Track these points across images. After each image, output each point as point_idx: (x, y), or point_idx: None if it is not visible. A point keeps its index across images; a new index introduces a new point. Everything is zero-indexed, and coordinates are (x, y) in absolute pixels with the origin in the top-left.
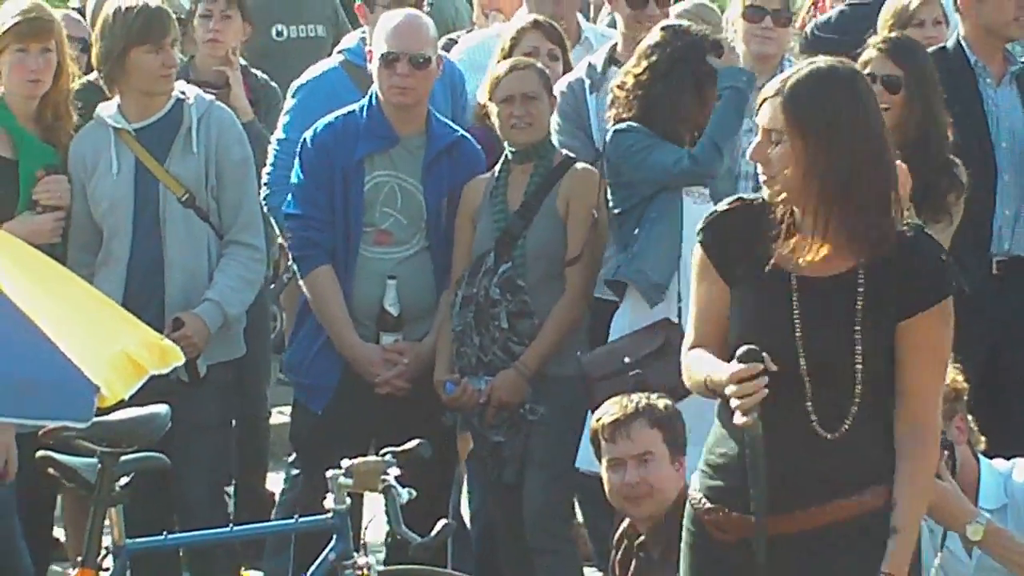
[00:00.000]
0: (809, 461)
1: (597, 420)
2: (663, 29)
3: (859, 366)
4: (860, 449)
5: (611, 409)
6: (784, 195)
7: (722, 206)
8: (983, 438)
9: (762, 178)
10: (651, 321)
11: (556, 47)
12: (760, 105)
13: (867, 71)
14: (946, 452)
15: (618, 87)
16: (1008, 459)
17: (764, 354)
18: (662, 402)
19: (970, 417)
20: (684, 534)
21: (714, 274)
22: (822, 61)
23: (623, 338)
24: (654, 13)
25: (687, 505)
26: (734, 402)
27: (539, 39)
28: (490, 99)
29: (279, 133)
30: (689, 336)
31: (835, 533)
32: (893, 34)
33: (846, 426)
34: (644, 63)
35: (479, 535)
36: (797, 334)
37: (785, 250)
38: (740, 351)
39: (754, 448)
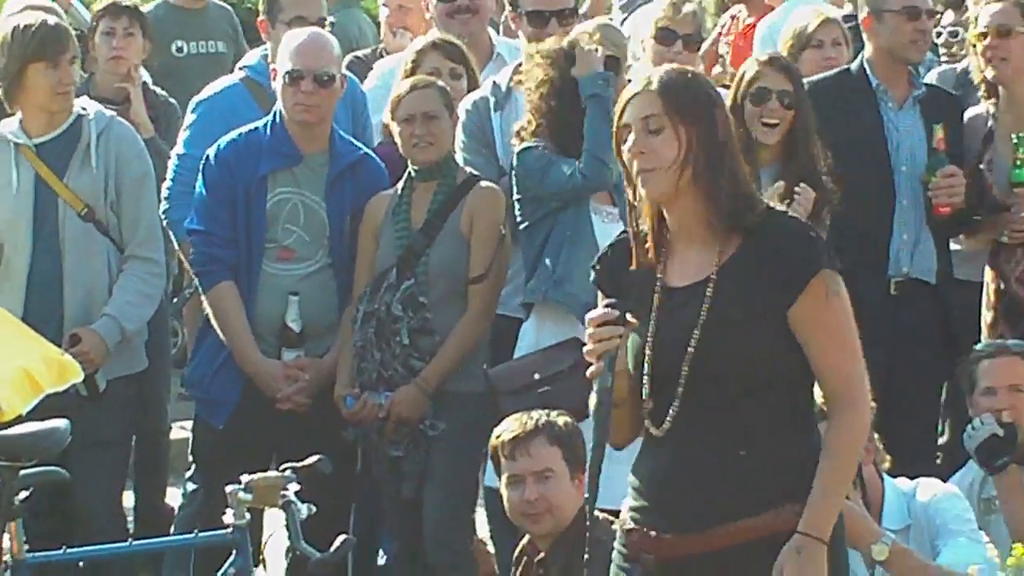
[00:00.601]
0: (713, 478)
1: (497, 437)
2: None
3: (688, 363)
4: (767, 465)
5: (511, 426)
6: (663, 190)
7: (608, 244)
8: (888, 457)
9: (642, 174)
10: (561, 339)
11: (458, 65)
12: (624, 105)
13: (758, 86)
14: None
15: (527, 106)
16: (912, 479)
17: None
18: (562, 419)
19: (876, 436)
20: (614, 554)
21: (601, 301)
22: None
23: (534, 354)
24: (556, 32)
25: (618, 526)
26: (588, 347)
27: (439, 59)
28: (392, 119)
29: (179, 148)
30: None
31: (741, 554)
32: (771, 52)
33: (667, 419)
34: (538, 81)
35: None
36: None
37: (659, 264)
38: (605, 302)
39: (600, 400)
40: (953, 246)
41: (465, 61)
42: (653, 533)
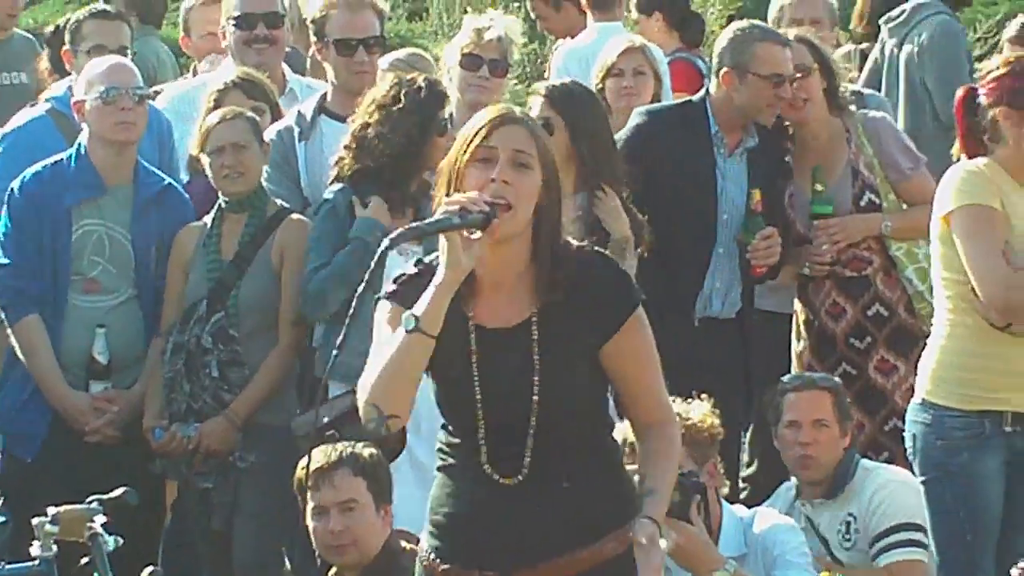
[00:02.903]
0: (545, 513)
1: (301, 468)
2: (396, 82)
3: (536, 409)
4: (594, 497)
5: (316, 457)
6: (517, 230)
7: (411, 270)
8: (727, 482)
9: (503, 208)
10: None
11: (260, 103)
12: (488, 128)
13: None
14: (698, 495)
15: (345, 145)
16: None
17: None
18: (367, 451)
19: (719, 460)
20: None
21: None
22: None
23: (331, 399)
24: (363, 60)
25: (417, 563)
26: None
27: (240, 97)
28: (201, 150)
29: None
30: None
31: None
32: (555, 81)
33: (524, 466)
34: (380, 113)
35: None
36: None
37: (468, 302)
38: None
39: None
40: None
41: (266, 97)
42: (476, 573)
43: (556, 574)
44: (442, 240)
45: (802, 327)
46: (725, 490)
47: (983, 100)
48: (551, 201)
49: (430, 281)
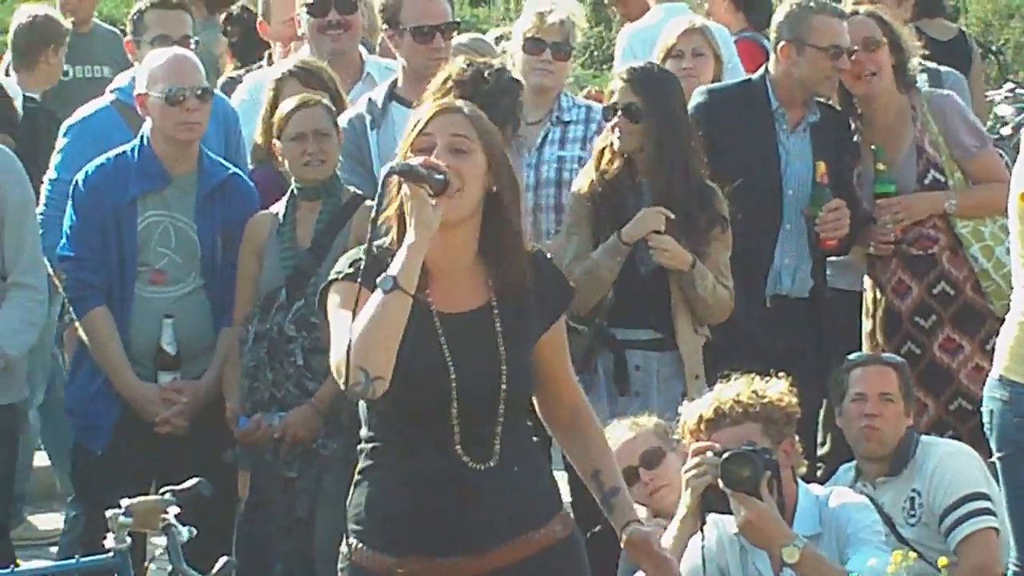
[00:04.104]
0: (504, 497)
1: None
2: (470, 64)
3: (504, 393)
4: (537, 481)
5: None
6: (462, 214)
7: (359, 253)
8: (805, 463)
9: (453, 190)
10: None
11: (317, 91)
12: (427, 118)
13: (612, 100)
14: (768, 472)
15: None
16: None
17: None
18: None
19: (797, 439)
20: None
21: (366, 294)
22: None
23: None
24: (440, 46)
25: (346, 567)
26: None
27: (296, 86)
28: (278, 137)
29: (51, 173)
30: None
31: (530, 566)
32: (636, 64)
33: (495, 452)
34: (459, 91)
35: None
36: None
37: (423, 289)
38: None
39: None
40: (831, 257)
41: (324, 85)
42: (425, 560)
43: (512, 556)
44: (409, 202)
45: (870, 305)
46: (802, 469)
47: None
48: (502, 187)
49: (384, 266)
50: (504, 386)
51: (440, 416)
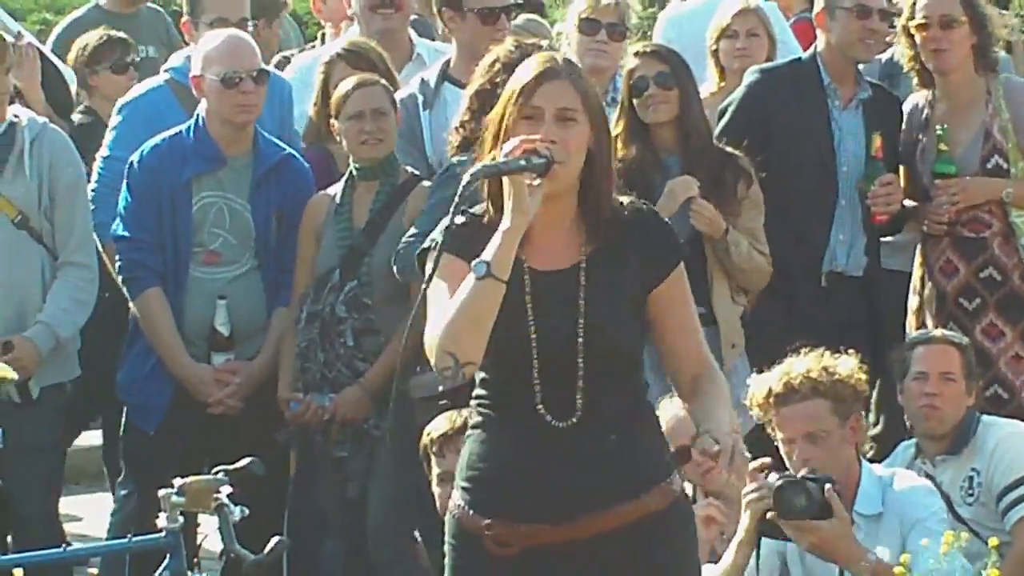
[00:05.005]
0: (594, 462)
1: (427, 435)
2: (517, 46)
3: (582, 349)
4: (632, 453)
5: (440, 424)
6: (569, 182)
7: (458, 219)
8: (873, 444)
9: (556, 166)
10: None
11: (366, 74)
12: (531, 87)
13: (636, 77)
14: (828, 485)
15: (467, 107)
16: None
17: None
18: None
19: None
20: (448, 549)
21: (463, 266)
22: None
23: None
24: (504, 28)
25: (449, 520)
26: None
27: (345, 69)
28: (336, 117)
29: (103, 150)
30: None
31: (619, 539)
32: (644, 43)
33: (577, 409)
34: (506, 73)
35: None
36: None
37: (521, 246)
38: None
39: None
40: (884, 238)
41: (374, 66)
42: (521, 525)
43: (599, 527)
44: (507, 185)
45: (918, 282)
46: (866, 447)
47: None
48: (600, 149)
49: (479, 231)
50: (580, 340)
51: (523, 374)
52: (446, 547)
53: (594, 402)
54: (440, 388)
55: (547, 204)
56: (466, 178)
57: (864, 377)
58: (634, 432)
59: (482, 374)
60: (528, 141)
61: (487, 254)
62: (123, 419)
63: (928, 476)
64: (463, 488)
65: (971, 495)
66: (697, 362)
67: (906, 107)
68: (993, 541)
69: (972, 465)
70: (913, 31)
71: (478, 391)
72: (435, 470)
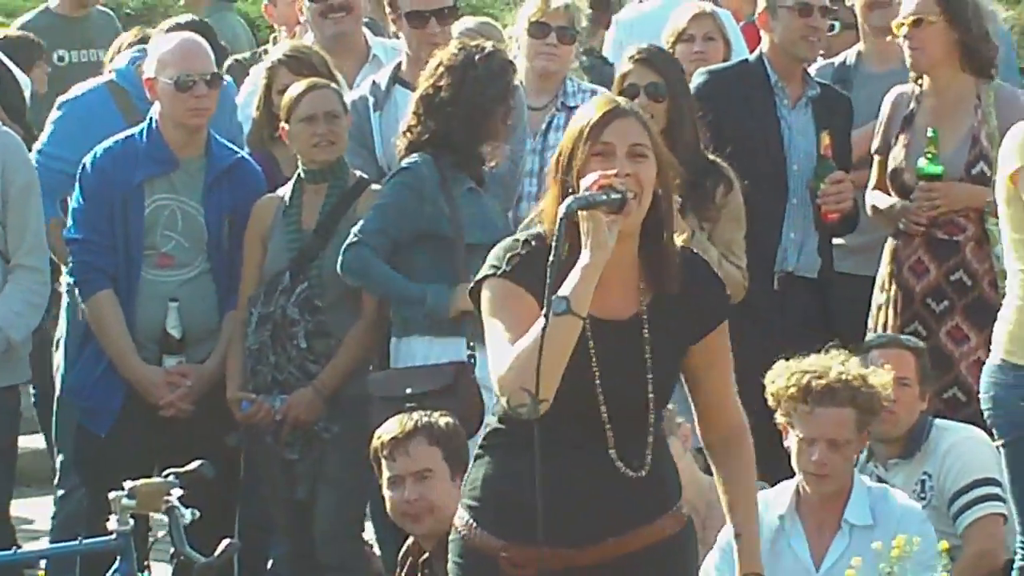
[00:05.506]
0: (613, 498)
1: (377, 438)
2: (462, 48)
3: (652, 404)
4: (657, 480)
5: (390, 427)
6: (638, 219)
7: (517, 247)
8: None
9: (630, 202)
10: (447, 359)
11: (307, 78)
12: (600, 124)
13: (627, 83)
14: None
15: (414, 112)
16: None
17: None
18: (443, 420)
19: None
20: (455, 568)
21: (523, 294)
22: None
23: (414, 368)
24: (436, 31)
25: (456, 539)
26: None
27: (287, 74)
28: (287, 120)
29: (37, 144)
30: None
31: (633, 562)
32: (645, 45)
33: (648, 462)
34: (449, 76)
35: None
36: (596, 380)
37: None
38: None
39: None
40: (837, 241)
41: (316, 71)
42: (533, 548)
43: (618, 551)
44: (585, 221)
45: (885, 279)
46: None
47: None
48: (665, 190)
49: (539, 260)
50: (652, 395)
51: (587, 419)
52: (451, 566)
53: (658, 452)
54: (408, 390)
55: (616, 244)
56: (561, 210)
57: (891, 392)
58: (655, 460)
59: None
60: (606, 176)
61: (566, 290)
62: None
63: (880, 480)
64: (475, 507)
65: (923, 499)
66: (730, 422)
67: (888, 97)
68: (944, 544)
69: (924, 469)
70: (895, 30)
71: (504, 417)
72: (384, 474)
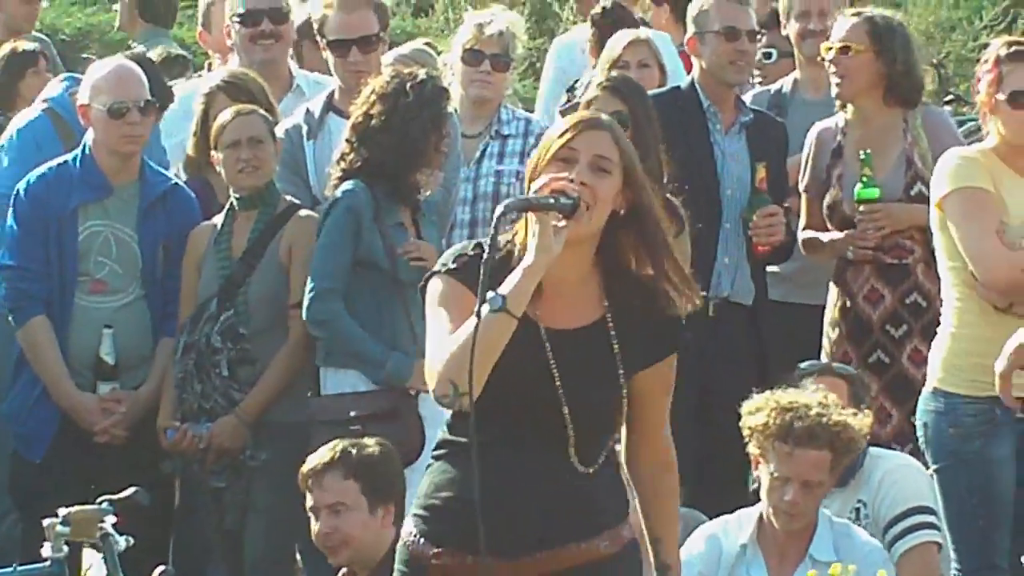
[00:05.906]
0: (555, 502)
1: (307, 465)
2: (395, 75)
3: (621, 403)
4: (603, 487)
5: (315, 456)
6: (593, 231)
7: (468, 248)
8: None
9: (582, 211)
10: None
11: (245, 105)
12: (572, 132)
13: (592, 110)
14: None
15: (347, 140)
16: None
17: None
18: (371, 450)
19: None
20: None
21: (465, 292)
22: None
23: (357, 393)
24: (358, 59)
25: (401, 548)
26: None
27: (225, 101)
28: (215, 147)
29: None
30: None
31: None
32: (614, 73)
33: (599, 462)
34: (382, 104)
35: None
36: (558, 384)
37: (532, 304)
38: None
39: None
40: (769, 268)
41: (253, 97)
42: (466, 556)
43: (547, 566)
44: (532, 224)
45: (837, 313)
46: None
47: (982, 87)
48: (637, 212)
49: (486, 262)
50: (624, 396)
51: (550, 424)
52: (395, 574)
53: (608, 461)
54: (352, 413)
55: (563, 254)
56: (499, 210)
57: (867, 434)
58: (607, 473)
59: (486, 413)
60: (557, 179)
61: (504, 288)
62: None
63: None
64: (419, 516)
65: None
66: (658, 449)
67: (811, 134)
68: (882, 573)
69: (859, 497)
70: (823, 52)
71: (453, 424)
72: (308, 503)
